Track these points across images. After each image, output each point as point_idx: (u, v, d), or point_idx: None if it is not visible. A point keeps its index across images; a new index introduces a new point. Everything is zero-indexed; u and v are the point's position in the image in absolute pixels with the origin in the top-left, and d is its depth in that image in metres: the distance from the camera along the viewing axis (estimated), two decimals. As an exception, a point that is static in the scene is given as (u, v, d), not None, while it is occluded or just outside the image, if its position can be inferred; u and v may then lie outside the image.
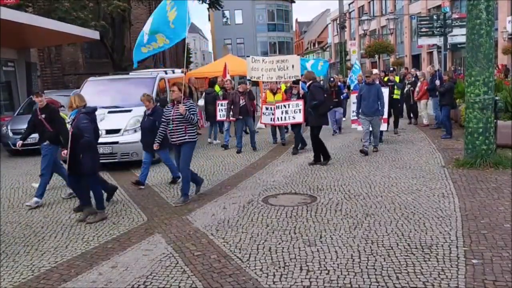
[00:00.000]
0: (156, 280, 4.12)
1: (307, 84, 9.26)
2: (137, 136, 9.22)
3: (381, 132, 10.62)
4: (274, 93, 11.42)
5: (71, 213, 6.41)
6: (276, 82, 11.88)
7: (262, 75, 11.31)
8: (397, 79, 12.24)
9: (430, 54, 38.25)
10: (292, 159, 9.40)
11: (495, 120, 7.89)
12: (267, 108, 11.17)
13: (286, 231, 5.19)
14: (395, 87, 12.17)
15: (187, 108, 6.58)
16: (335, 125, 12.68)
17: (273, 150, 10.83)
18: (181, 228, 5.49)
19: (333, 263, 4.25)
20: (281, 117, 10.40)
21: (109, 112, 9.46)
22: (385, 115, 10.33)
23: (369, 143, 9.59)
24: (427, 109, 13.68)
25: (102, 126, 9.26)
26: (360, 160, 8.88)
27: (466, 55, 8.05)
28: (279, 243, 4.82)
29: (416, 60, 42.68)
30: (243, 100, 10.69)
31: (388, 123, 11.51)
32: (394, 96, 11.67)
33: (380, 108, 9.51)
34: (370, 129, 9.67)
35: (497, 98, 8.04)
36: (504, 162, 7.64)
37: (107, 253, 4.82)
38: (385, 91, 10.17)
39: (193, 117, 6.58)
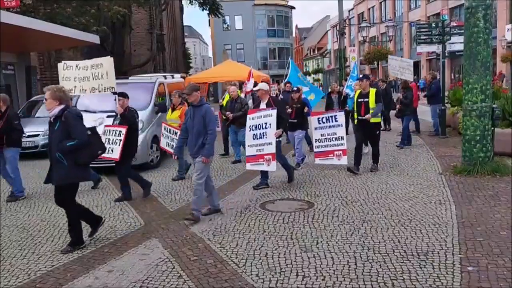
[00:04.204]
0: (152, 284, 4.12)
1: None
2: (136, 140, 9.25)
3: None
4: (173, 109, 9.02)
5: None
6: (179, 96, 8.98)
7: (75, 86, 8.16)
8: (372, 92, 8.45)
9: (430, 61, 38.53)
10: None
11: (492, 128, 7.93)
12: (165, 129, 8.71)
13: (282, 236, 5.20)
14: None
15: None
16: (298, 153, 9.28)
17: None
18: (178, 232, 5.50)
19: (329, 269, 4.26)
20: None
21: (108, 116, 9.46)
22: (274, 150, 7.06)
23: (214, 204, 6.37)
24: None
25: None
26: (360, 165, 8.87)
27: (464, 63, 8.10)
28: (276, 249, 4.83)
29: (415, 67, 42.82)
30: None
31: (379, 155, 8.80)
32: (372, 120, 8.36)
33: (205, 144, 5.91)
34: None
35: (494, 105, 8.08)
36: (502, 169, 7.66)
37: (104, 257, 4.83)
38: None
39: None
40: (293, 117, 8.97)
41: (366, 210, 6.08)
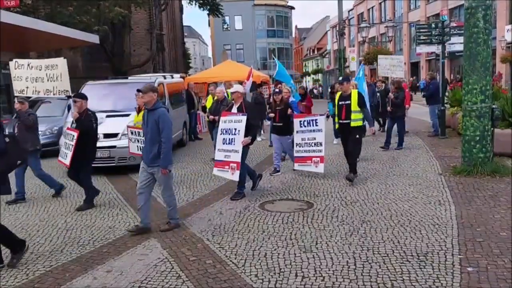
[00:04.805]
0: (151, 285, 4.11)
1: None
2: (135, 140, 9.24)
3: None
4: (139, 111, 7.89)
5: (67, 216, 6.40)
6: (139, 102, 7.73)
7: (27, 87, 7.68)
8: (354, 94, 7.82)
9: (429, 61, 38.53)
10: (290, 165, 9.38)
11: (492, 128, 7.92)
12: (132, 133, 7.82)
13: (282, 237, 5.19)
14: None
15: None
16: (277, 161, 8.84)
17: (270, 156, 10.83)
18: (177, 233, 5.48)
19: (329, 270, 4.25)
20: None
21: (107, 116, 9.47)
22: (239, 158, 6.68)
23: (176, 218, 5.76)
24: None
25: (100, 130, 9.27)
26: (357, 167, 8.85)
27: (464, 63, 8.10)
28: (275, 249, 4.82)
29: (415, 68, 42.85)
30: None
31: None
32: (352, 124, 7.65)
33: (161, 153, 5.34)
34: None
35: (494, 106, 8.08)
36: (501, 170, 7.66)
37: (103, 257, 4.81)
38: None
39: None
40: (277, 120, 8.61)
41: (366, 210, 6.07)
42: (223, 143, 6.90)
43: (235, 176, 6.77)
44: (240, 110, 6.99)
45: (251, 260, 4.56)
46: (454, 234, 5.02)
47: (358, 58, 40.13)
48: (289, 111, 8.60)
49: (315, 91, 53.95)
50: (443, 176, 7.83)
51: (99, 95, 10.27)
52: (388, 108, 11.27)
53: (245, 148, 6.93)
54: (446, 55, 14.75)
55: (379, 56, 15.21)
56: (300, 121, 8.26)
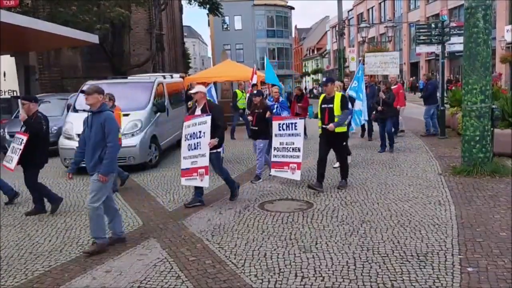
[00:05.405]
0: (150, 285, 4.10)
1: None
2: (135, 140, 9.24)
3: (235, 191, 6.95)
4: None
5: (66, 216, 6.39)
6: (109, 99, 7.44)
7: None
8: (337, 97, 7.30)
9: (429, 62, 38.55)
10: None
11: (492, 128, 7.92)
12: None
13: (281, 237, 5.18)
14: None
15: None
16: (259, 164, 8.29)
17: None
18: (176, 233, 5.47)
19: (328, 270, 4.24)
20: None
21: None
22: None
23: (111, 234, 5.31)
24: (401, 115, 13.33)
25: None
26: (357, 167, 8.87)
27: (464, 63, 8.10)
28: (275, 249, 4.81)
29: (414, 68, 42.88)
30: None
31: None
32: (337, 130, 7.19)
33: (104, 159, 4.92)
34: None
35: (494, 106, 8.08)
36: (501, 170, 7.66)
37: (102, 257, 4.80)
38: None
39: None
40: (254, 124, 8.16)
41: (366, 210, 6.07)
42: (189, 150, 6.48)
43: (204, 182, 6.42)
44: (204, 111, 6.53)
45: (251, 260, 4.55)
46: (454, 234, 5.02)
47: (358, 58, 40.09)
48: (268, 114, 8.13)
49: (314, 91, 53.99)
50: (443, 176, 7.83)
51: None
52: (379, 108, 10.66)
53: (216, 153, 6.65)
54: (446, 55, 14.73)
55: (366, 54, 14.86)
56: (279, 124, 7.70)
